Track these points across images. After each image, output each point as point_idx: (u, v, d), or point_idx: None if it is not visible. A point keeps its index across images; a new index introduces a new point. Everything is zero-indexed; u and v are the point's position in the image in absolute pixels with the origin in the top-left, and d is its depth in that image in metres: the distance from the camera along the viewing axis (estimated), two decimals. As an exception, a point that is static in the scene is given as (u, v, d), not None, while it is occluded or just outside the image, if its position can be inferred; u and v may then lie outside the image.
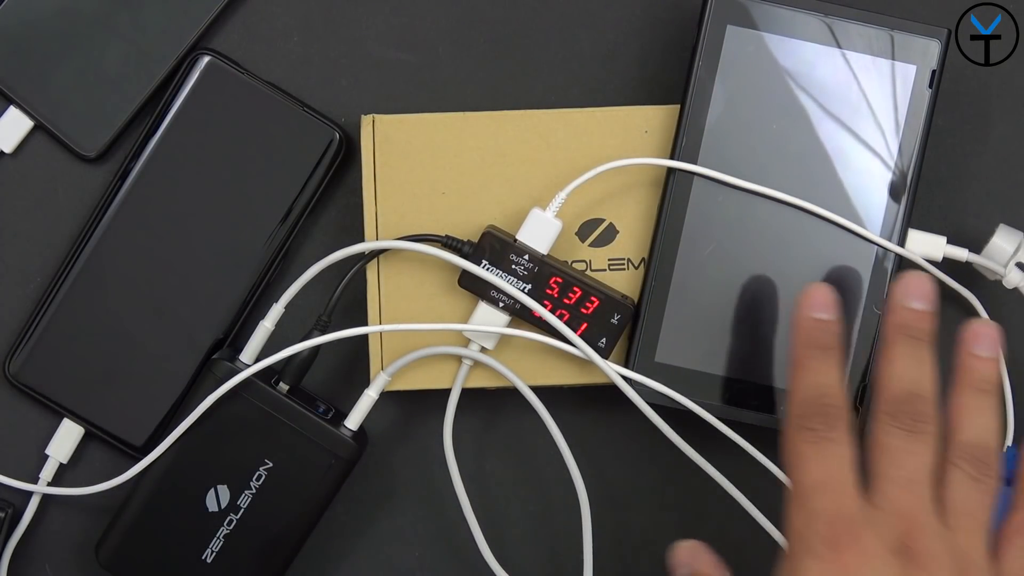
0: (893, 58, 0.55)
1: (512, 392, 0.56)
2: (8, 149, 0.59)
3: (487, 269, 0.54)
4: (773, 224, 0.55)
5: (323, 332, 0.55)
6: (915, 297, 0.47)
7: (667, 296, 0.55)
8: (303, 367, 0.56)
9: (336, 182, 0.59)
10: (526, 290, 0.54)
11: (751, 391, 0.55)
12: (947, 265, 0.56)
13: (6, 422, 0.59)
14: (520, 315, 0.55)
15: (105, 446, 0.59)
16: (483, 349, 0.55)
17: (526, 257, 0.54)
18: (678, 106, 0.55)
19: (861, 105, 0.55)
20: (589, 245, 0.56)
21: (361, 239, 0.56)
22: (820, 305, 0.46)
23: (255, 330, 0.56)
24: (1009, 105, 0.60)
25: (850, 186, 0.55)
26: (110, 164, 0.59)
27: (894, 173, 0.55)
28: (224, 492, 0.55)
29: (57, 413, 0.58)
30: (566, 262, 0.56)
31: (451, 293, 0.56)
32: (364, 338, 0.56)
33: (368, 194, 0.56)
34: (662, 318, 0.55)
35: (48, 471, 0.58)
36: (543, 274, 0.54)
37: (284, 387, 0.56)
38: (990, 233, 0.56)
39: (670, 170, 0.55)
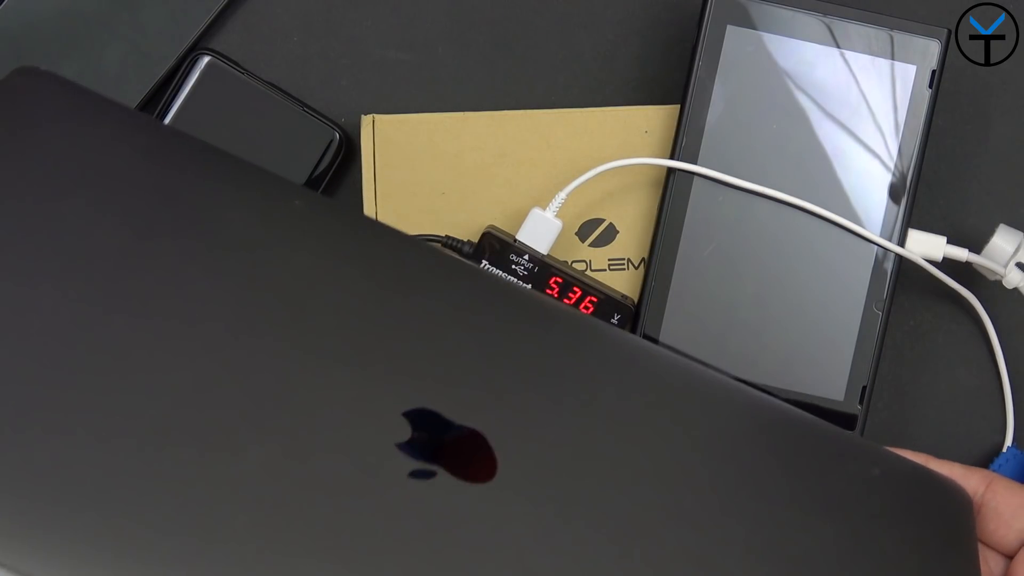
0: (893, 58, 0.55)
1: (512, 392, 0.56)
2: (8, 149, 0.59)
3: (487, 269, 0.54)
4: (773, 224, 0.55)
5: (323, 332, 0.55)
6: None
7: (667, 296, 0.55)
8: (303, 367, 0.56)
9: (336, 182, 0.59)
10: (526, 290, 0.54)
11: (751, 391, 0.55)
12: (947, 265, 0.57)
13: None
14: (520, 315, 0.55)
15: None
16: (483, 349, 0.55)
17: (526, 257, 0.54)
18: (678, 106, 0.55)
19: (861, 105, 0.55)
20: (589, 245, 0.56)
21: (361, 239, 0.56)
22: None
23: (255, 330, 0.56)
24: (1009, 105, 0.60)
25: (850, 186, 0.55)
26: (110, 164, 0.59)
27: (894, 173, 0.55)
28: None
29: None
30: (566, 262, 0.56)
31: (451, 293, 0.56)
32: (364, 338, 0.56)
33: (368, 194, 0.56)
34: (662, 318, 0.55)
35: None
36: (543, 274, 0.54)
37: (284, 387, 0.56)
38: (990, 233, 0.56)
39: (670, 170, 0.55)
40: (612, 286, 0.56)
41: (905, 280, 0.58)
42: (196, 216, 0.38)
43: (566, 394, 0.40)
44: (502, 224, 0.56)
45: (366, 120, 0.56)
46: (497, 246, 0.54)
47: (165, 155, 0.40)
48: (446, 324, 0.40)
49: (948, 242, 0.56)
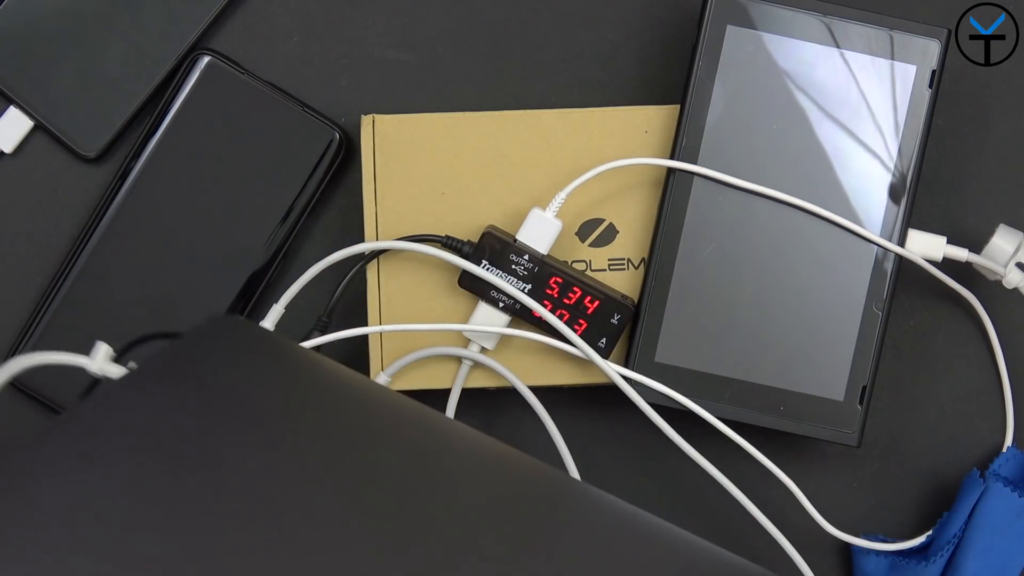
0: (893, 58, 0.55)
1: (512, 392, 0.56)
2: (8, 149, 0.59)
3: (487, 269, 0.54)
4: (773, 224, 0.55)
5: (323, 332, 0.55)
6: None
7: (667, 296, 0.55)
8: (303, 367, 0.56)
9: (336, 182, 0.59)
10: (526, 290, 0.54)
11: (751, 391, 0.55)
12: (947, 265, 0.57)
13: (6, 422, 0.59)
14: (520, 315, 0.55)
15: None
16: (483, 349, 0.55)
17: (526, 257, 0.54)
18: (678, 106, 0.55)
19: (861, 105, 0.55)
20: (589, 245, 0.56)
21: (361, 239, 0.56)
22: None
23: (255, 330, 0.56)
24: (1009, 105, 0.60)
25: (850, 186, 0.55)
26: (110, 164, 0.59)
27: (894, 173, 0.55)
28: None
29: (58, 414, 0.58)
30: (566, 262, 0.56)
31: (451, 293, 0.56)
32: (364, 338, 0.56)
33: (368, 194, 0.56)
34: (662, 318, 0.55)
35: (48, 471, 0.58)
36: (543, 274, 0.54)
37: (284, 387, 0.56)
38: (990, 233, 0.56)
39: (670, 170, 0.55)
40: (612, 286, 0.56)
41: (905, 280, 0.58)
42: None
43: None
44: (502, 224, 0.56)
45: (366, 120, 0.56)
46: (497, 246, 0.54)
47: (376, 423, 0.38)
48: None
49: (948, 242, 0.56)
